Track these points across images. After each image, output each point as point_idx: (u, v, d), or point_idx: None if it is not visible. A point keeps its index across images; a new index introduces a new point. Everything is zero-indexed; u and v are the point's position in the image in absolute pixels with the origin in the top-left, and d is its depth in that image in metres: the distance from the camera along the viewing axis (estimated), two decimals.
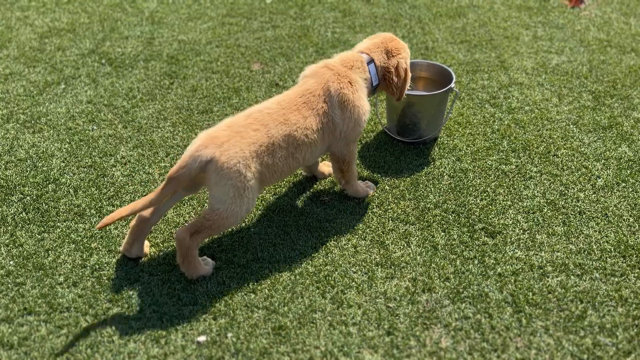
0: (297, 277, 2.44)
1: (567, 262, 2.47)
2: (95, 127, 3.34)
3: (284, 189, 2.91)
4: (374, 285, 2.40)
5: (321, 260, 2.52)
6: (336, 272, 2.46)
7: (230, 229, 2.65)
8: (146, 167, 3.04)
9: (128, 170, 3.02)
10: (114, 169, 3.03)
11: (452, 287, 2.38)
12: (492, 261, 2.49)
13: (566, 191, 2.85)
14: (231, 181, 2.28)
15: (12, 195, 2.85)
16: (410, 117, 3.13)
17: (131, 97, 3.60)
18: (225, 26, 4.46)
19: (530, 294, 2.33)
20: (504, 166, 3.02)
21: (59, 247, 2.57)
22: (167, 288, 2.39)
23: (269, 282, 2.41)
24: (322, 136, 2.54)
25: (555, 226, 2.65)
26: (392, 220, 2.72)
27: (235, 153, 2.30)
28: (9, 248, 2.56)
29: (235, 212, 2.33)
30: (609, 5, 4.72)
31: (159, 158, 3.10)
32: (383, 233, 2.65)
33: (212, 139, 2.32)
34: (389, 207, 2.79)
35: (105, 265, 2.49)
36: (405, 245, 2.58)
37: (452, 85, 3.08)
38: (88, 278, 2.43)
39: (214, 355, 2.13)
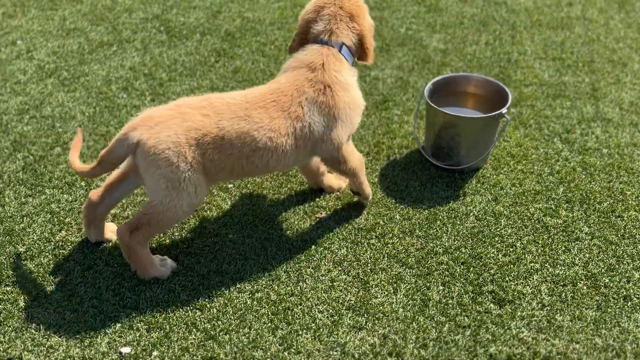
0: (255, 302, 2.14)
1: (583, 359, 1.93)
2: (124, 96, 3.25)
3: (281, 196, 2.60)
4: (335, 332, 2.04)
5: (289, 288, 2.19)
6: (299, 307, 2.13)
7: (193, 229, 2.40)
8: None
9: None
10: None
11: (426, 358, 1.96)
12: (487, 336, 2.02)
13: (617, 266, 2.26)
14: (160, 170, 2.01)
15: (19, 152, 2.83)
16: (448, 139, 2.66)
17: (172, 70, 3.46)
18: (296, 8, 4.17)
19: None
20: (548, 218, 2.47)
21: (36, 215, 2.48)
22: (115, 284, 2.20)
23: (221, 301, 2.14)
24: (294, 142, 2.16)
25: (586, 309, 2.10)
26: (388, 257, 2.31)
27: (166, 137, 2.00)
28: None
29: (172, 206, 2.05)
30: None
31: None
32: (371, 271, 2.26)
33: (148, 119, 2.05)
34: (390, 241, 2.38)
35: (69, 243, 2.36)
36: (392, 291, 2.18)
37: (504, 110, 2.56)
38: (47, 254, 2.32)
39: None
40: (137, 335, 2.02)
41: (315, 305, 2.13)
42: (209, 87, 3.32)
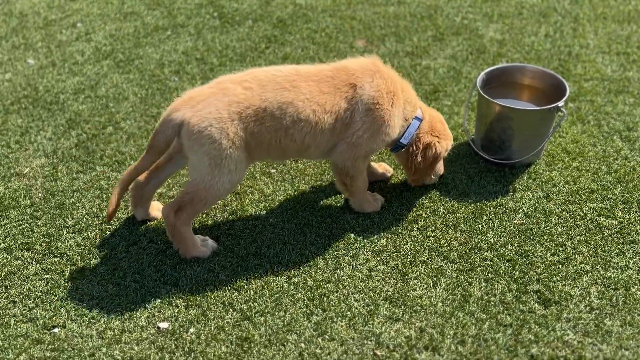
0: (291, 287, 2.13)
1: None
2: (176, 79, 3.30)
3: (323, 183, 2.58)
4: (370, 322, 2.01)
5: (326, 275, 2.17)
6: (335, 294, 2.10)
7: (239, 214, 2.41)
8: None
9: None
10: None
11: (464, 354, 1.89)
12: (530, 336, 1.94)
13: None
14: (204, 147, 2.01)
15: (74, 130, 2.92)
16: (500, 132, 2.56)
17: (223, 55, 3.49)
18: None
19: None
20: (603, 219, 2.35)
21: (86, 190, 2.56)
22: (157, 260, 2.24)
23: (259, 284, 2.14)
24: (334, 124, 2.13)
25: (639, 315, 1.98)
26: (429, 250, 2.26)
27: (208, 114, 2.00)
28: (44, 180, 2.62)
29: (214, 183, 2.05)
30: None
31: None
32: (411, 263, 2.21)
33: (189, 99, 2.07)
34: (433, 234, 2.32)
35: (116, 219, 2.42)
36: (431, 285, 2.12)
37: (561, 103, 2.44)
38: (94, 228, 2.38)
39: (166, 348, 1.94)
40: (176, 311, 2.05)
41: (352, 294, 2.10)
42: None
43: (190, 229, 2.17)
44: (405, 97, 2.24)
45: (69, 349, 1.94)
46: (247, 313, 2.04)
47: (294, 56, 3.45)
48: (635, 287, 2.07)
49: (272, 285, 2.14)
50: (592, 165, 2.61)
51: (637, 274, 2.12)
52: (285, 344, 1.94)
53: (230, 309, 2.06)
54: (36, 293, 2.13)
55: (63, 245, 2.31)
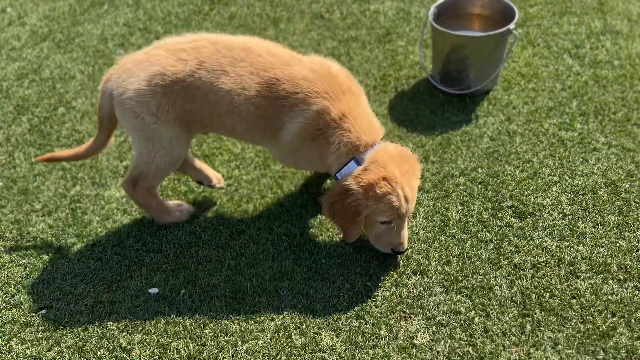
0: (276, 237, 2.14)
1: (609, 261, 1.93)
2: (122, 52, 3.19)
3: None
4: (358, 259, 2.04)
5: (308, 221, 2.19)
6: (320, 237, 2.13)
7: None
8: None
9: None
10: None
11: (451, 273, 1.96)
12: (511, 248, 2.02)
13: (636, 172, 2.23)
14: (129, 122, 1.88)
15: (24, 115, 2.80)
16: (457, 63, 2.60)
17: (167, 22, 3.38)
18: None
19: (548, 295, 1.85)
20: (563, 132, 2.44)
21: (48, 173, 2.47)
22: (136, 230, 2.21)
23: (243, 239, 2.14)
24: (265, 129, 1.92)
25: (608, 214, 2.09)
26: None
27: (129, 85, 1.83)
28: (2, 169, 2.51)
29: (151, 159, 1.92)
30: None
31: None
32: None
33: (120, 67, 1.91)
34: None
35: (84, 197, 2.36)
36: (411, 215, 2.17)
37: (512, 25, 2.50)
38: (63, 209, 2.31)
39: (160, 311, 1.93)
40: (164, 276, 2.04)
41: (336, 235, 2.13)
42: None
43: (156, 198, 2.12)
44: (346, 135, 1.86)
45: (61, 327, 1.90)
46: (237, 268, 2.04)
47: (240, 15, 3.38)
48: (602, 190, 2.18)
49: (256, 238, 2.14)
50: (547, 84, 2.69)
51: (602, 177, 2.22)
52: (278, 290, 1.96)
53: (219, 266, 2.05)
54: (15, 279, 2.06)
55: (34, 229, 2.24)
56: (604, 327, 1.76)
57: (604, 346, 1.71)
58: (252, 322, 1.87)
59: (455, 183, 2.28)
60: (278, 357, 1.78)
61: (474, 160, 2.36)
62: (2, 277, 2.07)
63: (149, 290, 1.99)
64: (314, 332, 1.83)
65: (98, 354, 1.82)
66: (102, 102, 1.96)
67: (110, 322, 1.91)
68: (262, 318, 1.88)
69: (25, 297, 2.00)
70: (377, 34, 3.14)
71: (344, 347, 1.78)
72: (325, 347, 1.79)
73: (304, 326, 1.85)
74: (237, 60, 1.85)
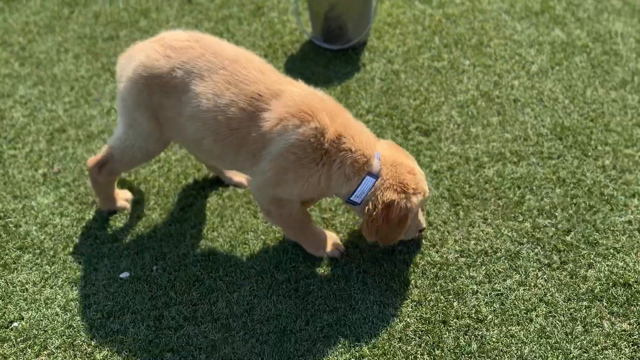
0: (226, 200, 2.27)
1: (503, 150, 2.38)
2: None
3: None
4: None
5: None
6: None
7: None
8: (49, 105, 2.74)
9: (29, 110, 2.72)
10: (12, 110, 2.72)
11: None
12: (427, 159, 2.38)
13: (500, 81, 2.73)
14: (120, 103, 1.94)
15: None
16: (335, 20, 2.90)
17: (27, 32, 3.22)
18: None
19: (467, 186, 2.25)
20: (436, 63, 2.87)
21: None
22: (80, 228, 2.18)
23: (195, 209, 2.24)
24: (238, 148, 1.82)
25: (490, 117, 2.55)
26: None
27: (124, 71, 1.90)
28: None
29: (127, 146, 1.95)
30: None
31: (63, 93, 2.80)
32: None
33: (126, 53, 1.97)
34: None
35: (11, 212, 2.25)
36: None
37: None
38: None
39: (141, 289, 1.98)
40: (129, 260, 2.07)
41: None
42: (76, 37, 3.17)
43: (113, 185, 2.15)
44: (349, 156, 1.79)
45: (41, 333, 1.86)
46: (201, 235, 2.14)
47: (104, 12, 3.34)
48: (479, 100, 2.64)
49: (208, 205, 2.25)
50: (410, 28, 3.11)
51: (476, 91, 2.69)
52: (246, 242, 2.11)
53: (183, 238, 2.13)
54: None
55: None
56: (515, 198, 2.19)
57: (520, 211, 2.14)
58: (234, 275, 2.01)
59: (365, 120, 2.59)
60: (269, 293, 1.94)
61: (374, 100, 2.69)
62: None
63: (120, 276, 2.02)
64: (291, 267, 2.02)
65: (92, 344, 1.82)
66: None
67: (93, 313, 1.91)
68: (242, 269, 2.02)
69: None
70: (249, 9, 3.32)
71: (323, 272, 1.99)
72: (307, 275, 1.99)
73: (282, 264, 2.03)
74: (217, 67, 1.79)
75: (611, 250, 1.96)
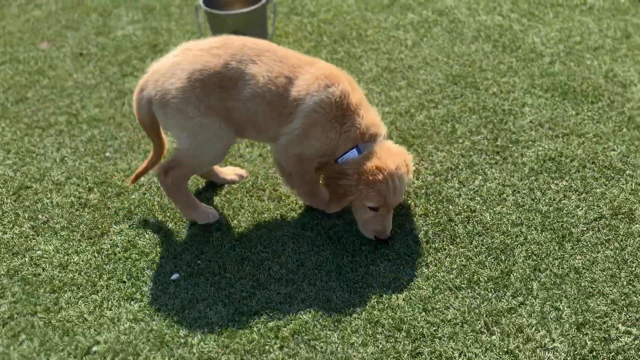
0: (228, 196, 2.50)
1: (421, 101, 3.00)
2: None
3: None
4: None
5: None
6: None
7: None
8: None
9: None
10: None
11: None
12: None
13: (391, 56, 3.37)
14: (174, 120, 2.05)
15: None
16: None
17: None
18: None
19: (411, 131, 2.81)
20: (335, 56, 3.41)
21: None
22: (104, 256, 2.25)
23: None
24: (281, 111, 2.10)
25: (399, 82, 3.16)
26: None
27: (171, 85, 2.02)
28: None
29: (197, 154, 2.11)
30: None
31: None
32: None
33: (153, 73, 2.09)
34: None
35: (19, 266, 2.21)
36: None
37: None
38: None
39: (196, 282, 2.14)
40: (171, 264, 2.20)
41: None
42: None
43: (185, 189, 2.26)
44: (358, 122, 2.12)
45: (125, 346, 1.93)
46: (223, 227, 2.35)
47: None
48: (384, 73, 3.24)
49: (214, 203, 2.46)
50: (299, 35, 3.62)
51: (377, 67, 3.28)
52: (266, 220, 2.38)
53: (209, 234, 2.32)
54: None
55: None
56: (448, 129, 2.80)
57: (457, 136, 2.76)
58: (272, 245, 2.27)
59: None
60: (309, 248, 2.25)
61: None
62: None
63: (172, 278, 2.15)
64: (315, 224, 2.35)
65: (181, 335, 1.95)
66: (140, 111, 2.08)
67: (165, 313, 2.03)
68: (275, 239, 2.29)
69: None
70: (146, 47, 3.53)
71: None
72: (332, 225, 2.34)
73: (307, 225, 2.35)
74: (262, 51, 2.10)
75: (530, 142, 2.67)
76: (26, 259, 2.24)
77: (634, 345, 1.85)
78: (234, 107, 2.08)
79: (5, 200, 2.52)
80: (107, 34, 3.69)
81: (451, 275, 2.10)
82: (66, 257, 2.25)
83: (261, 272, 2.17)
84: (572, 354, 1.84)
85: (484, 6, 3.72)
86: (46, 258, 2.25)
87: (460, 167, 2.58)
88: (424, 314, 1.99)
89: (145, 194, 2.52)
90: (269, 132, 2.18)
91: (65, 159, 2.72)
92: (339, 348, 1.90)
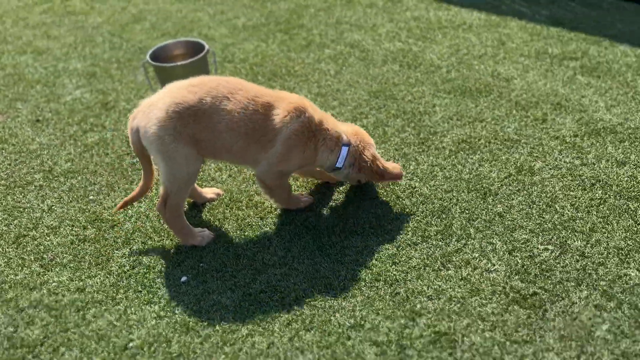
0: (212, 210, 2.91)
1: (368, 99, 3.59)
2: None
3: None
4: None
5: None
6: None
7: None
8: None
9: None
10: None
11: None
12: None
13: (342, 71, 3.97)
14: (154, 145, 2.40)
15: None
16: None
17: None
18: None
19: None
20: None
21: None
22: (115, 276, 2.57)
23: (196, 222, 2.83)
24: (260, 143, 2.50)
25: (358, 66, 3.74)
26: None
27: (153, 116, 2.38)
28: None
29: (173, 175, 2.45)
30: None
31: None
32: None
33: (143, 106, 2.45)
34: None
35: (36, 302, 2.48)
36: None
37: (207, 47, 3.81)
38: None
39: (207, 279, 2.51)
40: (179, 270, 2.57)
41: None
42: None
43: (182, 218, 2.61)
44: (325, 134, 2.59)
45: (157, 337, 2.26)
46: (217, 233, 2.76)
47: None
48: (352, 50, 3.81)
49: (202, 218, 2.86)
50: (242, 73, 4.14)
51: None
52: (257, 223, 2.81)
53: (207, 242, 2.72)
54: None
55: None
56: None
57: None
58: (269, 239, 2.70)
59: None
60: (302, 235, 2.70)
61: None
62: None
63: (181, 280, 2.52)
64: (303, 218, 2.81)
65: (204, 322, 2.32)
66: (132, 139, 2.45)
67: (185, 306, 2.38)
68: (271, 235, 2.73)
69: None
70: (98, 106, 3.90)
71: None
72: (313, 216, 2.81)
73: (295, 221, 2.80)
74: (235, 90, 2.48)
75: (445, 132, 3.31)
76: (44, 291, 2.52)
77: (551, 257, 2.46)
78: (208, 138, 2.45)
79: (7, 249, 2.77)
80: (57, 100, 4.01)
81: (408, 235, 2.64)
82: (81, 282, 2.55)
83: (256, 262, 2.59)
84: (509, 271, 2.41)
85: (385, 37, 4.45)
86: (63, 287, 2.53)
87: (396, 158, 3.16)
88: (394, 266, 2.49)
89: (136, 222, 2.87)
90: (246, 158, 2.59)
91: (53, 207, 3.01)
92: (334, 302, 2.35)
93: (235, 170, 3.15)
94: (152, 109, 2.46)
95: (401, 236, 2.64)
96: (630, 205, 2.67)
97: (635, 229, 2.54)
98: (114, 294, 2.49)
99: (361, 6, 5.12)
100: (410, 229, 2.67)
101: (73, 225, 2.88)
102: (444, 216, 2.73)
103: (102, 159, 3.35)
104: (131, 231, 2.81)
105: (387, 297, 2.35)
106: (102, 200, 3.03)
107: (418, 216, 2.74)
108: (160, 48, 3.87)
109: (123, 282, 2.55)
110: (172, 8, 5.52)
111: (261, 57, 4.39)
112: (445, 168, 3.04)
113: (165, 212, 2.59)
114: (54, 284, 2.55)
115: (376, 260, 2.53)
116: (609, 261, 2.40)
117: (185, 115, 2.40)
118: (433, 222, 2.70)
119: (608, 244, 2.48)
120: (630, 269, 2.36)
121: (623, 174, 2.87)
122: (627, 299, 2.24)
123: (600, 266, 2.39)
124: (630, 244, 2.47)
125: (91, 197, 3.06)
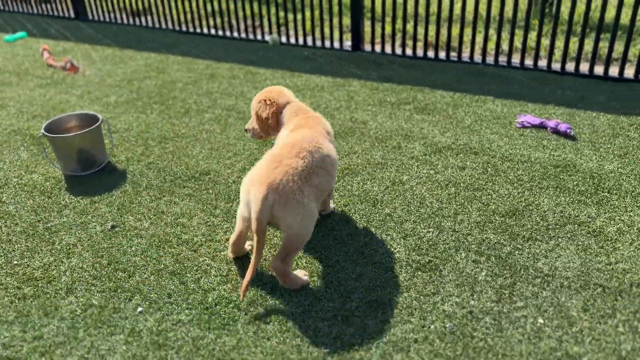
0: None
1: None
2: None
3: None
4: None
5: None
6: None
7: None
8: None
9: None
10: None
11: None
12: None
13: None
14: (294, 211, 2.64)
15: None
16: (87, 152, 3.98)
17: None
18: None
19: None
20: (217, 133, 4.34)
21: None
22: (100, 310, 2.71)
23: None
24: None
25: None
26: None
27: (289, 188, 2.62)
28: None
29: (306, 233, 2.73)
30: None
31: None
32: None
33: (271, 184, 2.60)
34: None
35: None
36: None
37: (101, 118, 4.10)
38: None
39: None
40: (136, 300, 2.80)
41: None
42: None
43: (291, 269, 2.82)
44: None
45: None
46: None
47: None
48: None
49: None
50: (130, 133, 4.44)
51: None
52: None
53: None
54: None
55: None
56: None
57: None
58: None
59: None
60: (305, 256, 3.10)
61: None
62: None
63: (138, 310, 2.75)
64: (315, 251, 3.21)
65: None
66: (263, 215, 2.59)
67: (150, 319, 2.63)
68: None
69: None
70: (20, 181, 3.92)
71: None
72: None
73: (310, 249, 3.19)
74: (314, 145, 2.88)
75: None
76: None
77: (433, 236, 3.20)
78: (323, 187, 2.85)
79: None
80: None
81: (392, 223, 3.23)
82: (36, 332, 2.62)
83: (200, 287, 2.93)
84: (407, 250, 3.09)
85: None
86: (18, 339, 2.58)
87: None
88: (374, 244, 3.04)
89: (72, 274, 3.02)
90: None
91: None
92: (340, 274, 2.83)
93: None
94: (283, 183, 2.64)
95: (317, 241, 3.19)
96: (475, 194, 3.58)
97: (484, 208, 3.43)
98: (75, 335, 2.63)
99: (224, 78, 5.81)
100: (322, 235, 3.25)
101: (6, 289, 2.93)
102: (349, 223, 3.36)
103: (13, 229, 3.41)
104: (71, 282, 2.96)
105: (322, 282, 2.87)
106: (28, 263, 3.12)
107: (328, 226, 3.34)
108: (53, 122, 4.07)
109: (80, 323, 2.69)
110: (33, 94, 5.65)
111: (145, 125, 4.76)
112: (338, 189, 3.70)
113: (286, 266, 2.75)
114: (6, 338, 2.61)
115: (365, 239, 3.05)
116: (472, 231, 3.22)
117: (307, 178, 2.75)
118: (342, 228, 3.31)
119: (469, 221, 3.32)
120: (488, 233, 3.20)
121: (465, 175, 3.81)
122: (492, 253, 3.05)
123: (468, 236, 3.19)
124: (484, 217, 3.34)
125: (15, 262, 3.13)
